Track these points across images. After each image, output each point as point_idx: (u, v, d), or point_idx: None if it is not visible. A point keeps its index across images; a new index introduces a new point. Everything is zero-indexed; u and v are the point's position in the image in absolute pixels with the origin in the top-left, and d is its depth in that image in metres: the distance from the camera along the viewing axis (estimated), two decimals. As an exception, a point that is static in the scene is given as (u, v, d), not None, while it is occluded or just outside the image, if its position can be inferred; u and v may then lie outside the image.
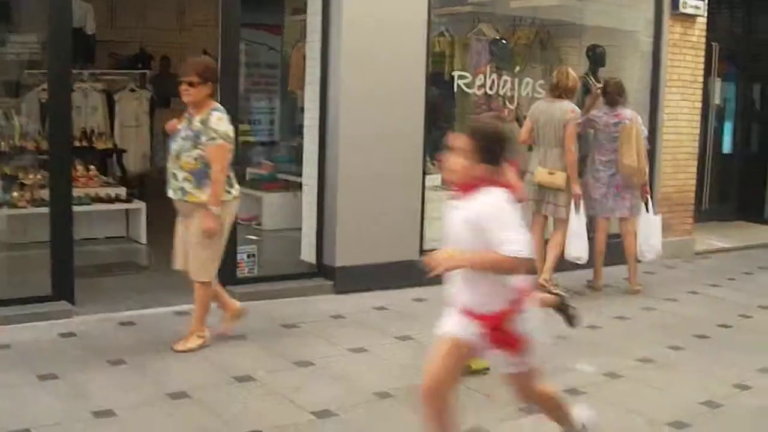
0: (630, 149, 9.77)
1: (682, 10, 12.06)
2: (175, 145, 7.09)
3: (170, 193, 7.12)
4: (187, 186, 6.99)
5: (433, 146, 10.00)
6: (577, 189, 9.59)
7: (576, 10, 12.38)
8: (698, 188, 13.32)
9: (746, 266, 12.07)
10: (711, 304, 9.93)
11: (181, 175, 7.01)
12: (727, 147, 15.56)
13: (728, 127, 15.56)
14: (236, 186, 7.28)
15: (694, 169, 12.73)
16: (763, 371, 7.45)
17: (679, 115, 12.28)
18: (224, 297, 7.61)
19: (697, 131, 12.74)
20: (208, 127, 6.94)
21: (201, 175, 6.95)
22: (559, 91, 9.68)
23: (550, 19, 12.33)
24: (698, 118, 12.74)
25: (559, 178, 9.56)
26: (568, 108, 9.59)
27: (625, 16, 12.38)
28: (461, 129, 11.48)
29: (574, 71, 9.91)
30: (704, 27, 12.56)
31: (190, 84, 7.03)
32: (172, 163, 7.12)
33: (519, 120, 11.29)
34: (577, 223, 9.60)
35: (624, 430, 6.00)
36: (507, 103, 11.02)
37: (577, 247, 9.63)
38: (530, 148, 9.87)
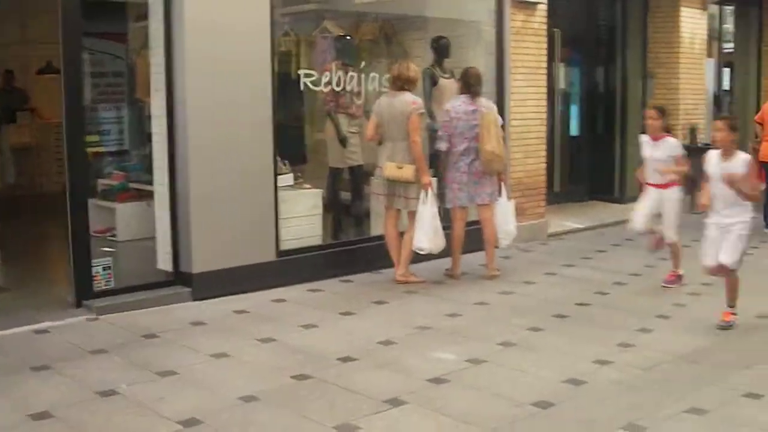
0: (490, 136, 9.88)
1: (523, -2, 12.26)
2: None
3: None
4: None
5: (283, 146, 9.98)
6: (426, 179, 9.63)
7: (419, 3, 12.49)
8: (549, 171, 13.57)
9: (600, 245, 12.32)
10: (568, 283, 10.11)
11: None
12: (574, 130, 15.88)
13: (575, 111, 15.88)
14: None
15: (544, 153, 12.93)
16: (623, 346, 7.61)
17: (525, 102, 12.47)
18: None
19: (545, 116, 12.95)
20: None
21: None
22: (400, 83, 9.72)
23: (394, 13, 12.38)
24: (544, 103, 12.96)
25: (407, 172, 9.61)
26: (409, 100, 9.63)
27: (468, 7, 12.50)
28: (311, 128, 11.60)
29: (417, 63, 10.00)
30: (545, 14, 12.77)
31: None
32: None
33: (367, 115, 11.34)
34: (426, 213, 9.61)
35: (489, 415, 6.04)
36: (355, 99, 11.01)
37: (422, 238, 9.64)
38: (380, 143, 9.91)
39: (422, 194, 9.62)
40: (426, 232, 9.58)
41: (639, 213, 9.84)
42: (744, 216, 8.00)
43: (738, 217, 7.98)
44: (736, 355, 7.42)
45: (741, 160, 7.99)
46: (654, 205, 9.70)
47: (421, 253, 9.78)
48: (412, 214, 9.74)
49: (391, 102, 9.74)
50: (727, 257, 7.97)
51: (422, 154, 9.73)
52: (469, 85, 10.13)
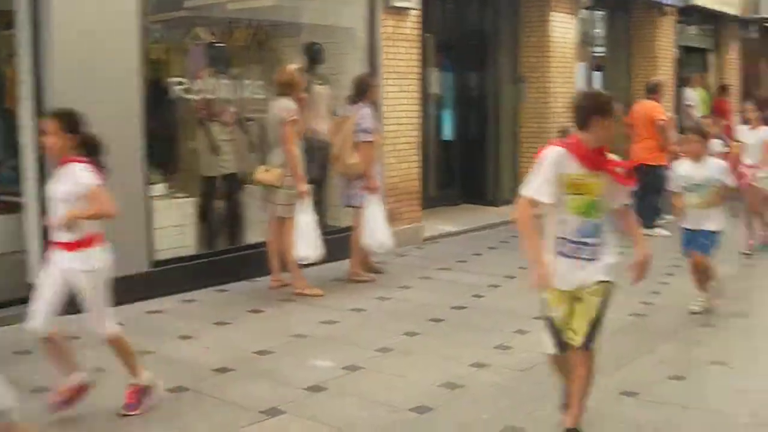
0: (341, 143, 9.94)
1: (394, 4, 12.29)
2: None
3: None
4: None
5: (155, 156, 9.83)
6: (301, 187, 9.57)
7: (292, 9, 12.46)
8: (423, 176, 13.63)
9: (474, 248, 12.42)
10: (443, 287, 10.16)
11: None
12: (448, 134, 16.00)
13: (448, 115, 15.99)
14: None
15: (417, 158, 12.98)
16: (499, 348, 7.68)
17: (397, 107, 12.52)
18: None
19: (417, 121, 13.01)
20: None
21: None
22: (277, 89, 9.73)
23: (267, 19, 12.34)
24: (417, 108, 13.02)
25: (271, 175, 9.56)
26: (282, 106, 9.57)
27: (341, 13, 12.49)
28: (184, 136, 11.45)
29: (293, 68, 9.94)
30: (417, 20, 12.85)
31: None
32: None
33: (240, 122, 11.26)
34: (302, 222, 9.56)
35: (368, 421, 6.03)
36: (227, 107, 10.89)
37: (302, 247, 9.58)
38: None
39: (299, 203, 9.57)
40: (306, 241, 9.55)
41: None
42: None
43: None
44: (611, 354, 7.51)
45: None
46: None
47: (303, 263, 9.74)
48: (284, 222, 9.70)
49: (270, 107, 9.75)
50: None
51: (296, 162, 9.62)
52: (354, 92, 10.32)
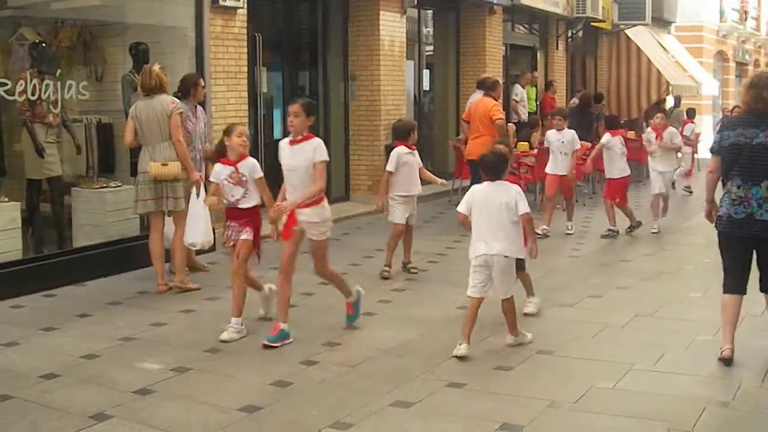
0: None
1: (222, 3, 12.25)
2: None
3: None
4: None
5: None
6: (195, 176, 9.71)
7: (118, 9, 12.32)
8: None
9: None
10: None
11: None
12: (278, 133, 15.98)
13: (278, 114, 15.98)
14: None
15: (249, 158, 12.92)
16: (328, 345, 7.75)
17: (226, 106, 12.49)
18: None
19: (246, 120, 12.99)
20: None
21: None
22: (146, 92, 9.72)
23: (92, 19, 12.19)
24: (246, 107, 13.02)
25: (173, 169, 9.60)
26: (168, 100, 9.66)
27: (169, 12, 12.41)
28: (8, 139, 11.17)
29: (115, 70, 9.82)
30: (245, 18, 12.84)
31: None
32: None
33: (66, 124, 11.06)
34: (198, 209, 9.55)
35: (196, 423, 6.04)
36: (51, 108, 10.65)
37: (196, 233, 9.58)
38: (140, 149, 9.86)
39: (193, 191, 9.63)
40: (199, 228, 9.55)
41: None
42: None
43: None
44: (441, 346, 7.66)
45: None
46: None
47: (193, 248, 9.86)
48: (180, 215, 9.73)
49: (147, 104, 9.67)
50: None
51: (186, 152, 9.74)
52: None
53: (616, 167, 13.88)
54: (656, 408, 6.32)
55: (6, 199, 10.17)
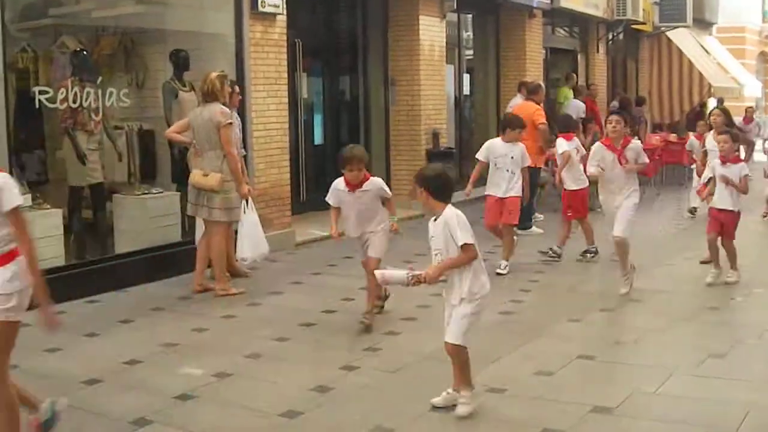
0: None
1: (261, 9, 12.27)
2: None
3: None
4: None
5: (21, 166, 9.66)
6: (244, 189, 9.73)
7: (158, 16, 12.36)
8: (294, 181, 13.66)
9: (345, 251, 12.34)
10: (314, 291, 10.21)
11: None
12: (318, 139, 16.02)
13: (318, 120, 16.02)
14: None
15: (287, 163, 12.99)
16: (369, 350, 7.76)
17: (266, 112, 12.50)
18: None
19: (287, 126, 13.02)
20: None
21: None
22: (204, 97, 9.77)
23: (133, 26, 12.26)
24: (286, 113, 13.03)
25: (211, 180, 9.57)
26: (217, 110, 9.59)
27: (207, 19, 12.43)
28: (51, 146, 11.24)
29: (156, 77, 9.85)
30: (285, 25, 12.87)
31: None
32: None
33: (107, 131, 11.13)
34: (248, 222, 9.64)
35: (236, 428, 6.07)
36: (93, 116, 10.73)
37: (245, 248, 9.67)
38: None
39: (242, 204, 9.68)
40: (249, 242, 9.64)
41: None
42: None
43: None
44: (481, 351, 7.63)
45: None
46: None
47: (244, 263, 9.88)
48: (215, 225, 9.77)
49: (201, 112, 9.73)
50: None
51: (238, 165, 9.75)
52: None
53: (572, 176, 11.90)
54: (699, 413, 6.28)
55: (48, 206, 10.24)
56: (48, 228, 9.96)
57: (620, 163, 9.77)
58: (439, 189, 6.25)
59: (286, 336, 8.23)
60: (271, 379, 7.08)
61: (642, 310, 9.32)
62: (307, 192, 14.71)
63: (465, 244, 6.10)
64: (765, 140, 21.80)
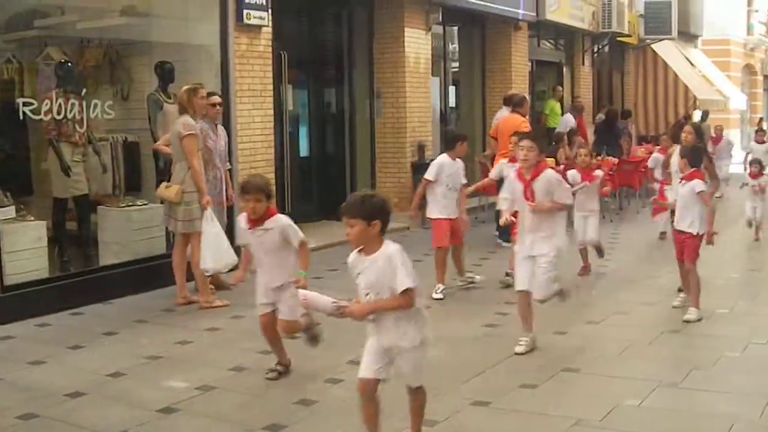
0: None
1: (246, 21, 12.29)
2: None
3: None
4: None
5: (5, 178, 9.64)
6: (204, 199, 9.63)
7: (143, 27, 12.35)
8: (280, 193, 13.64)
9: (331, 263, 12.39)
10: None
11: None
12: (304, 150, 16.01)
13: (304, 132, 16.02)
14: None
15: (273, 175, 12.95)
16: (353, 363, 7.71)
17: (251, 124, 12.52)
18: None
19: (272, 138, 13.04)
20: None
21: None
22: (179, 110, 9.85)
23: (118, 38, 12.25)
24: (271, 125, 13.04)
25: (171, 192, 9.64)
26: (180, 121, 9.66)
27: (193, 31, 12.43)
28: (35, 158, 11.22)
29: (141, 89, 9.85)
30: (270, 37, 12.88)
31: None
32: None
33: (92, 142, 11.09)
34: (208, 233, 9.52)
35: (220, 441, 6.05)
36: (77, 127, 10.69)
37: (206, 259, 9.50)
38: None
39: (205, 214, 9.61)
40: (210, 253, 9.51)
41: None
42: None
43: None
44: (466, 364, 7.64)
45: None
46: None
47: (207, 274, 9.73)
48: (186, 236, 9.82)
49: (174, 124, 9.82)
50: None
51: (200, 176, 9.71)
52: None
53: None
54: (683, 426, 6.30)
55: (32, 218, 10.23)
56: (32, 240, 9.96)
57: (526, 198, 8.01)
58: (387, 223, 5.53)
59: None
60: (255, 393, 7.07)
61: (627, 322, 9.34)
62: (292, 204, 14.68)
63: (407, 289, 5.36)
64: (748, 153, 21.77)
